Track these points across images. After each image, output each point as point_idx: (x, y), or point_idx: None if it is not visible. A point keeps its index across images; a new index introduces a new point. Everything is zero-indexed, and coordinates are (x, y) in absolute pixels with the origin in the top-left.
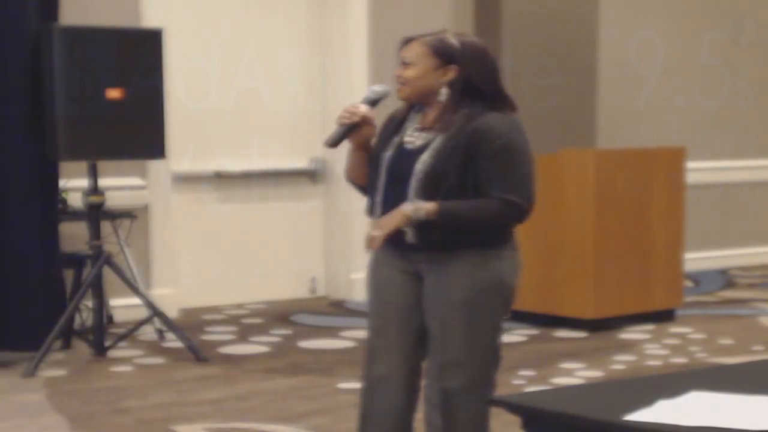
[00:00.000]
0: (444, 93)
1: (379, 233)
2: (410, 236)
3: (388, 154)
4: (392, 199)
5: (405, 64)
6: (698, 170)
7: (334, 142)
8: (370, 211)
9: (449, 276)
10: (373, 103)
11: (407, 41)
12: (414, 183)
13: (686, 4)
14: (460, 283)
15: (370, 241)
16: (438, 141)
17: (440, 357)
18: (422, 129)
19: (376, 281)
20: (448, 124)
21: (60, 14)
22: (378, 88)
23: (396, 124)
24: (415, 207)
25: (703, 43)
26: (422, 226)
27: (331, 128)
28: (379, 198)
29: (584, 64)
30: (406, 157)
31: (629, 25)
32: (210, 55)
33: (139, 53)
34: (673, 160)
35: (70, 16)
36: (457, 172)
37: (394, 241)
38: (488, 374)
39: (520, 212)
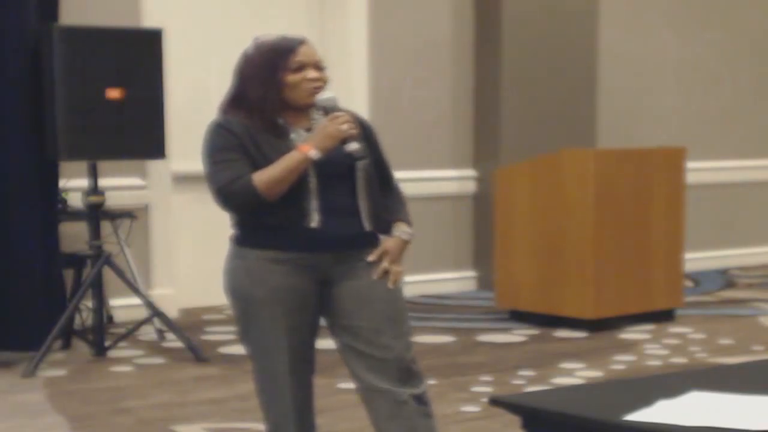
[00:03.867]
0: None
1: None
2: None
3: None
4: (331, 202)
5: (321, 68)
6: (698, 170)
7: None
8: (293, 220)
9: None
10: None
11: (300, 43)
12: (360, 181)
13: (686, 4)
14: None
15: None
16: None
17: (391, 357)
18: (310, 129)
19: (271, 293)
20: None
21: (60, 14)
22: (331, 95)
23: (265, 131)
24: (405, 231)
25: (703, 43)
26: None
27: None
28: (313, 204)
29: (584, 64)
30: (333, 159)
31: (629, 25)
32: (210, 55)
33: (139, 53)
34: (673, 160)
35: (70, 16)
36: (370, 162)
37: (297, 244)
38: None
39: None
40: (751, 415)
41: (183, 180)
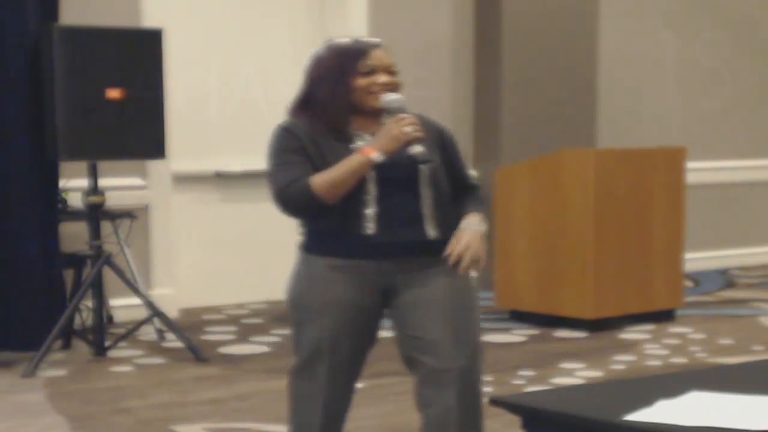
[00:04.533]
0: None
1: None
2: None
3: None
4: (391, 208)
5: (392, 72)
6: (698, 170)
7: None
8: (349, 226)
9: (450, 276)
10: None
11: (373, 47)
12: (423, 186)
13: (686, 4)
14: (461, 277)
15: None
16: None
17: (453, 363)
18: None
19: (331, 302)
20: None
21: (60, 14)
22: (397, 97)
23: (329, 135)
24: (475, 222)
25: (703, 43)
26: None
27: None
28: (370, 210)
29: (584, 64)
30: (396, 162)
31: (629, 25)
32: (210, 55)
33: (139, 53)
34: (673, 160)
35: (70, 16)
36: (440, 165)
37: (355, 252)
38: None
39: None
40: (751, 415)
41: (183, 180)
